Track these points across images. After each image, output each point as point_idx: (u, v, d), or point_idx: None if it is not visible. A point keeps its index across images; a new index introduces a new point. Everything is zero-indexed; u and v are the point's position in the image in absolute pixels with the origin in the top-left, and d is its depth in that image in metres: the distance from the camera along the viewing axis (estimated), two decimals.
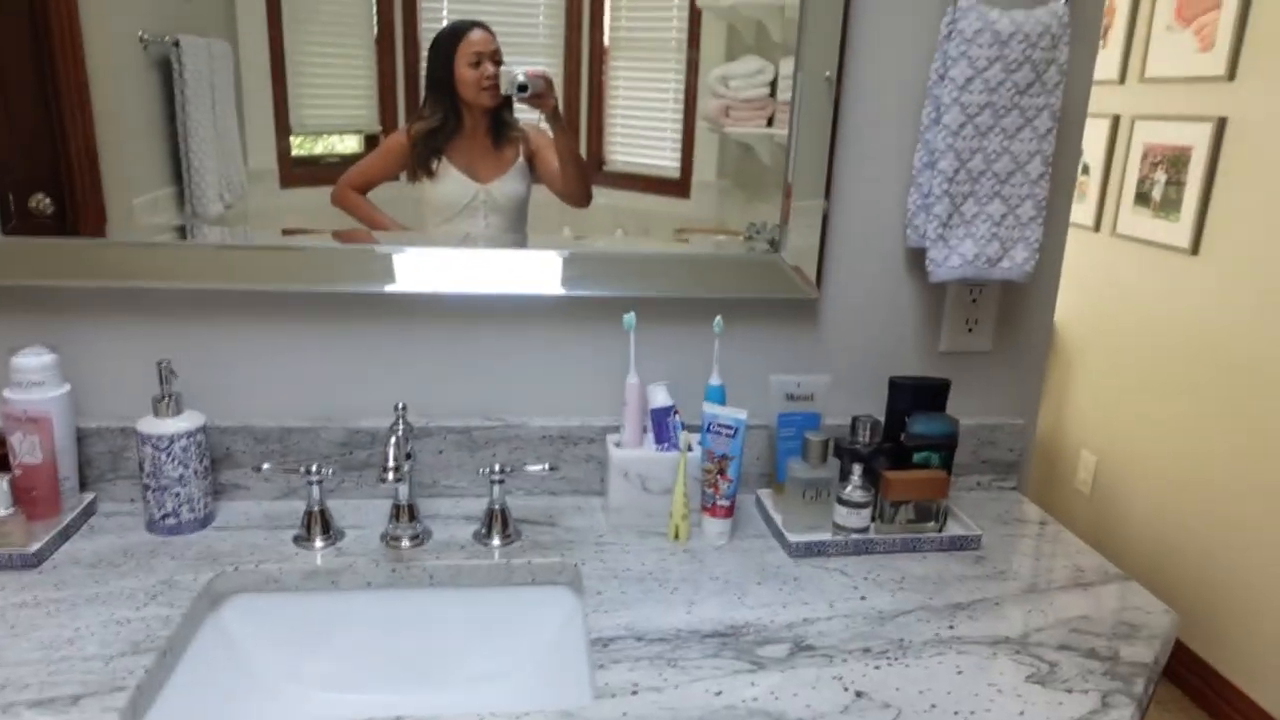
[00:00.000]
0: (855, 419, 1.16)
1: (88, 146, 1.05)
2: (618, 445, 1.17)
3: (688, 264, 1.19)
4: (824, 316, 1.26)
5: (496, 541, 1.11)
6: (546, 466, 1.16)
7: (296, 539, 1.10)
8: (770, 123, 1.15)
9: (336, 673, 1.05)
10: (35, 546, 1.01)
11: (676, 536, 1.13)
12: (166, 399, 1.08)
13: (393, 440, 0.98)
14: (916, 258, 1.25)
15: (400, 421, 1.08)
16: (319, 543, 1.09)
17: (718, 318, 1.15)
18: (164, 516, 1.09)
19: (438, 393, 1.22)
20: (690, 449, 1.14)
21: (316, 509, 1.09)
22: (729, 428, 1.10)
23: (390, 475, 0.96)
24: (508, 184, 1.14)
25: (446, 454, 1.21)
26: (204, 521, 1.12)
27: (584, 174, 1.15)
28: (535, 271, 1.16)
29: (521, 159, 1.14)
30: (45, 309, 1.13)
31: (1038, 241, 1.18)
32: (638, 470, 1.15)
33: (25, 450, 1.04)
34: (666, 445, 1.17)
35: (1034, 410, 1.35)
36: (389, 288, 1.14)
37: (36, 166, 1.05)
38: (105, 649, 0.87)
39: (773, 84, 1.14)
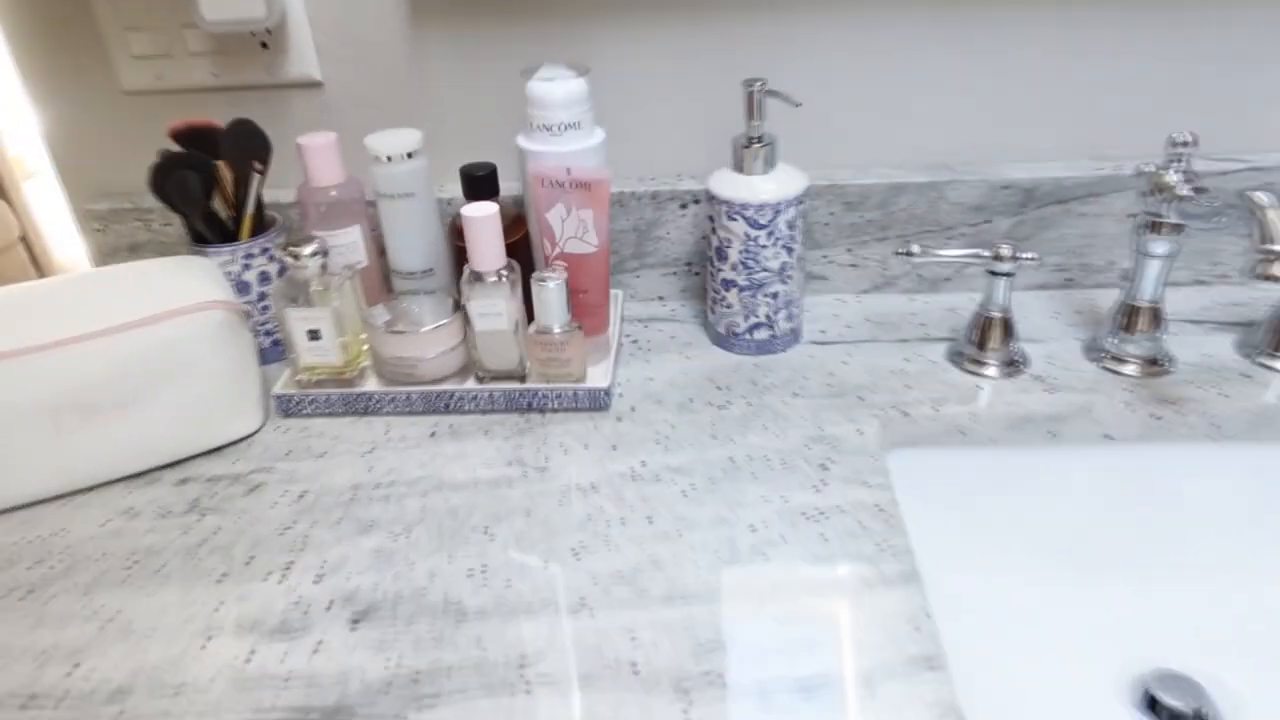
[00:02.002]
0: None
1: None
2: None
3: None
4: None
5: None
6: None
7: (958, 359, 0.70)
8: None
9: (1047, 565, 0.68)
10: (605, 383, 0.67)
11: None
12: (757, 144, 0.67)
13: (1267, 202, 0.52)
14: None
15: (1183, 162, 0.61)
16: (993, 368, 0.68)
17: None
18: (754, 327, 0.72)
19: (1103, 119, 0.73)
20: None
21: (998, 314, 0.68)
22: None
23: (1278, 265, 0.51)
24: None
25: (1092, 220, 0.75)
26: (797, 333, 0.74)
27: None
28: None
29: None
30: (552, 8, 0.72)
31: None
32: None
33: (571, 232, 0.67)
34: None
35: None
36: None
37: None
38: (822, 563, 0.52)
39: None
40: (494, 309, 0.65)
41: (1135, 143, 0.74)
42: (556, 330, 0.66)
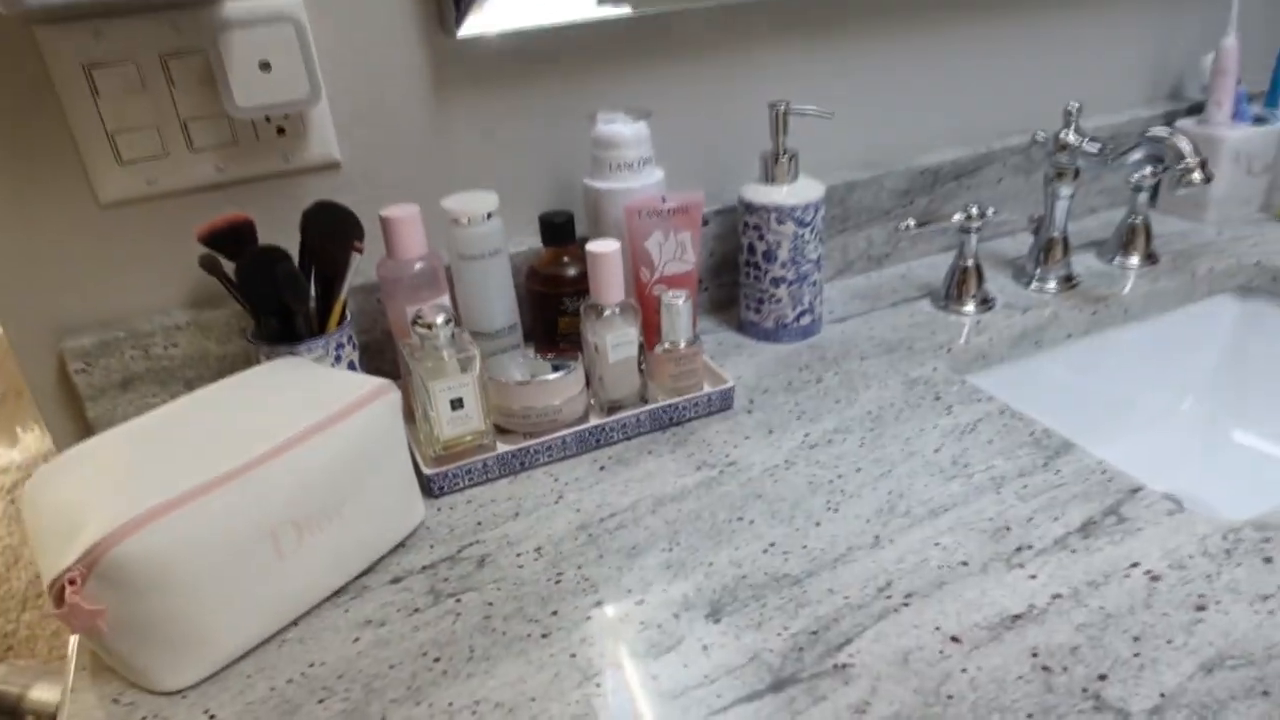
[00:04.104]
0: None
1: None
2: (1200, 124, 1.00)
3: None
4: None
5: (1135, 262, 0.93)
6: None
7: (944, 306, 0.87)
8: None
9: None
10: (730, 381, 0.73)
11: None
12: (784, 156, 0.78)
13: (1182, 135, 0.76)
14: None
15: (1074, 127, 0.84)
16: (971, 306, 0.87)
17: None
18: (799, 315, 0.83)
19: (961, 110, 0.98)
20: None
21: (971, 263, 0.86)
22: None
23: (1199, 175, 0.75)
24: None
25: (1006, 181, 0.99)
26: (822, 316, 0.86)
27: None
28: None
29: None
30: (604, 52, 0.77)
31: None
32: (1247, 150, 0.99)
33: (670, 254, 0.73)
34: (1240, 118, 1.01)
35: None
36: None
37: None
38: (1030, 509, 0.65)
39: None
40: (626, 338, 0.69)
41: (998, 127, 0.99)
42: (683, 345, 0.71)
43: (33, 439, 2.06)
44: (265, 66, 0.64)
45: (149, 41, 0.64)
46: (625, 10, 0.75)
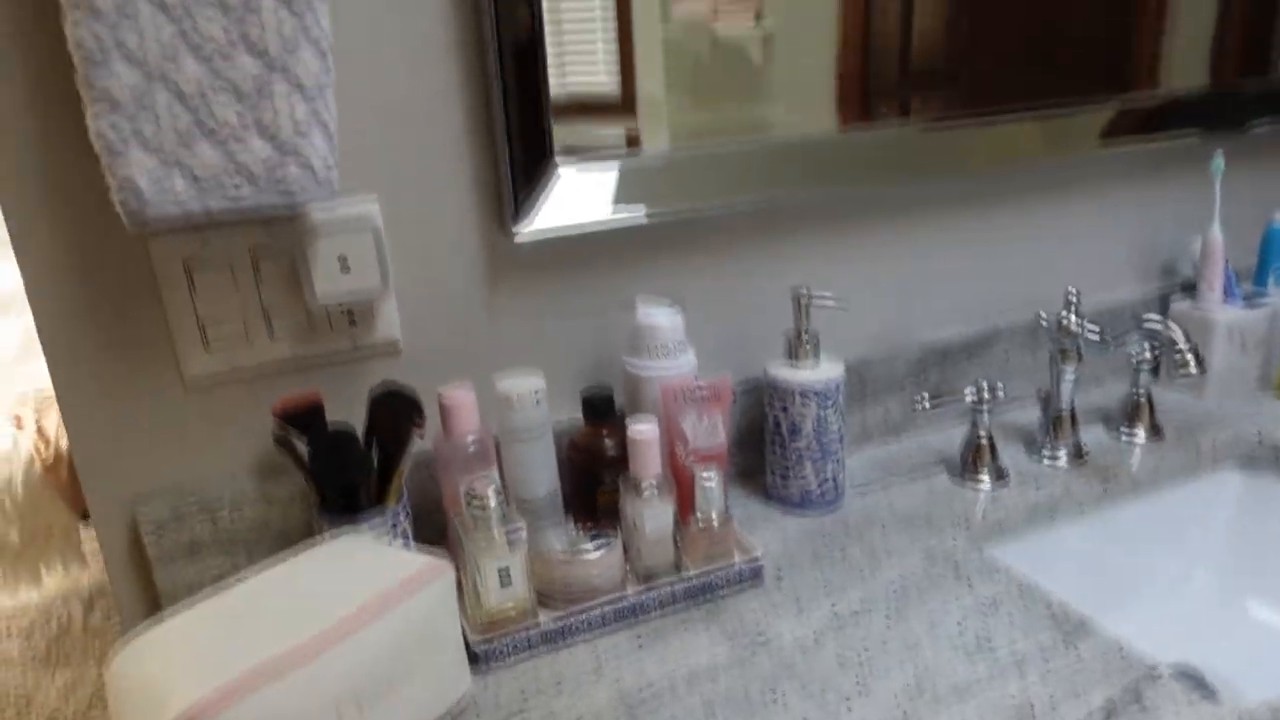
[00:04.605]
0: None
1: None
2: (1195, 307, 1.07)
3: None
4: None
5: (1141, 436, 0.98)
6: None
7: (960, 479, 0.92)
8: None
9: None
10: (759, 552, 0.77)
11: None
12: (806, 338, 0.85)
13: (1175, 326, 0.83)
14: None
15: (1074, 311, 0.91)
16: (986, 478, 0.91)
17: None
18: (822, 486, 0.87)
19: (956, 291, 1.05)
20: None
21: (984, 438, 0.91)
22: None
23: (1193, 364, 0.81)
24: None
25: (1012, 355, 1.06)
26: (844, 487, 0.91)
27: None
28: None
29: None
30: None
31: None
32: (1240, 328, 1.05)
33: (703, 433, 0.78)
34: (1231, 299, 1.08)
35: None
36: None
37: None
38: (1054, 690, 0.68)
39: None
40: (663, 515, 0.74)
41: (1001, 303, 1.06)
42: (716, 522, 0.75)
43: (55, 580, 2.09)
44: (344, 264, 0.72)
45: (244, 243, 0.72)
46: (664, 211, 0.83)
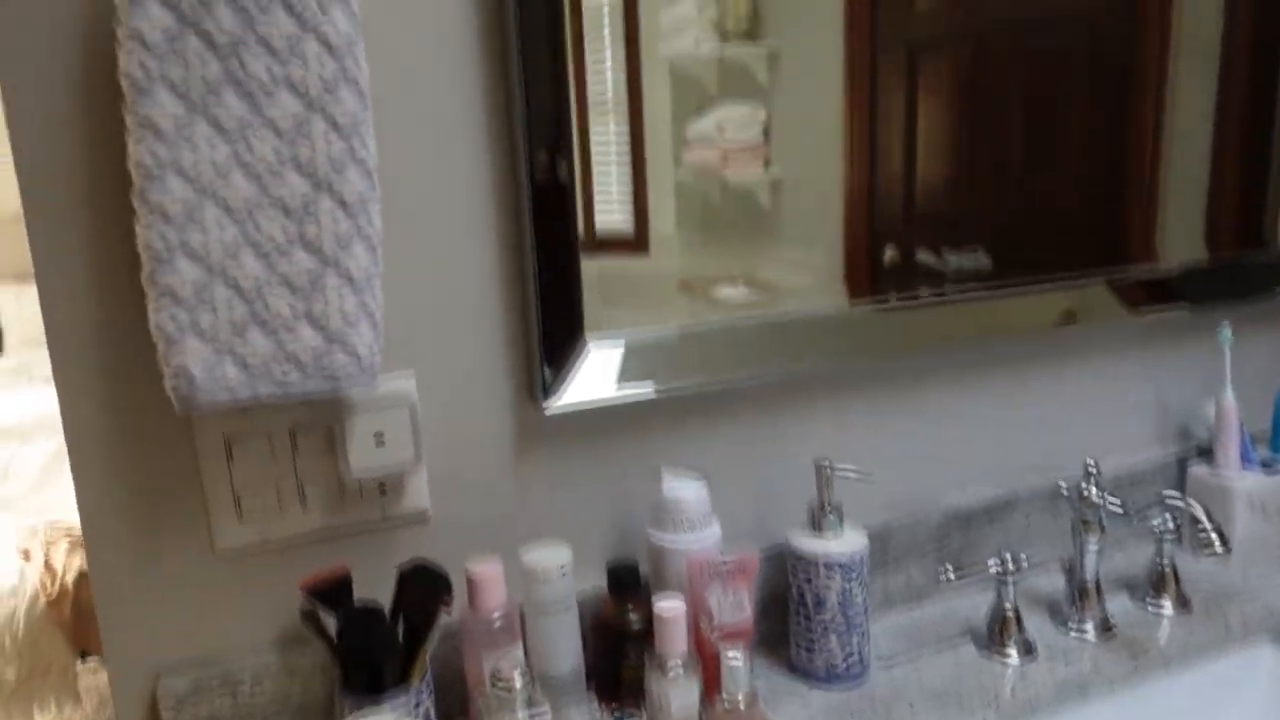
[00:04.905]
0: None
1: None
2: (1212, 473, 1.07)
3: None
4: None
5: (1168, 607, 0.97)
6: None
7: (987, 652, 0.90)
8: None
9: None
10: None
11: None
12: (828, 508, 0.86)
13: (1196, 504, 0.83)
14: None
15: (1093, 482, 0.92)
16: (1014, 653, 0.90)
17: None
18: (848, 659, 0.86)
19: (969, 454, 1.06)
20: None
21: (1010, 610, 0.91)
22: None
23: (1218, 544, 0.81)
24: None
25: (1033, 520, 1.06)
26: (869, 659, 0.89)
27: None
28: None
29: None
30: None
31: None
32: (1260, 497, 1.05)
33: (728, 607, 0.78)
34: (1249, 465, 1.09)
35: None
36: None
37: None
38: None
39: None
40: (689, 694, 0.73)
41: (1021, 466, 1.07)
42: (743, 703, 0.74)
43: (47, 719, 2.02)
44: (379, 439, 0.74)
45: (285, 419, 0.73)
46: (688, 384, 0.85)
